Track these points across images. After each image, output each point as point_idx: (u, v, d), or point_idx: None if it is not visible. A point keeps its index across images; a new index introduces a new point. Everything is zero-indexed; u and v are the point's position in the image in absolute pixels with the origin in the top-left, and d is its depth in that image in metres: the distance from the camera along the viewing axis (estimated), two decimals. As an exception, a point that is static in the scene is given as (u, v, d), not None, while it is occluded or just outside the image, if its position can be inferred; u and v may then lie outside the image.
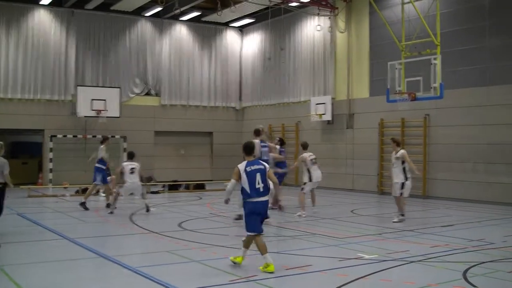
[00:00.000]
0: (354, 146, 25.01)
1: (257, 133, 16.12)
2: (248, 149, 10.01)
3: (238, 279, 8.78)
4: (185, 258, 10.42)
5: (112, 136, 28.06)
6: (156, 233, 13.54)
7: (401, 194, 15.11)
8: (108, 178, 18.81)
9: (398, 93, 18.73)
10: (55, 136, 27.07)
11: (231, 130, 32.65)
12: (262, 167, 9.73)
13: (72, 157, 27.07)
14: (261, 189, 9.58)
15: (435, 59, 17.55)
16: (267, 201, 9.79)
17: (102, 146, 18.90)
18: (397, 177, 15.12)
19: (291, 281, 8.87)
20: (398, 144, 15.49)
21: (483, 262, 10.02)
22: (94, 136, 27.63)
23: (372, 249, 11.41)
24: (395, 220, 15.04)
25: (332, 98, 26.05)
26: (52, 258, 10.72)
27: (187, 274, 9.31)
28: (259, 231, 9.61)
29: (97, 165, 18.75)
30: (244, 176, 9.57)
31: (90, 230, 14.44)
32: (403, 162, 15.05)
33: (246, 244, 9.71)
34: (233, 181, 9.63)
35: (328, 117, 25.84)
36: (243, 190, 9.63)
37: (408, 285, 8.56)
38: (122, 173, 17.29)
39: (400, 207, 15.25)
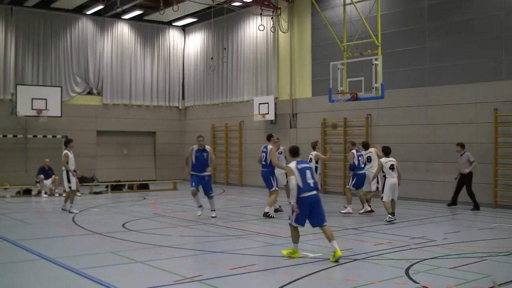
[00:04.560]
0: (298, 146, 25.08)
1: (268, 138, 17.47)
2: (294, 151, 11.15)
3: (182, 280, 8.76)
4: (129, 259, 10.34)
5: (54, 136, 27.68)
6: (99, 234, 13.39)
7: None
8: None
9: (340, 93, 18.96)
10: (-6, 135, 26.49)
11: (174, 129, 32.50)
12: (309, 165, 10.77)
13: (12, 157, 26.49)
14: (312, 184, 10.38)
15: (376, 59, 17.86)
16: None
17: None
18: None
19: (235, 281, 8.89)
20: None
21: (425, 259, 10.22)
22: (35, 136, 27.16)
23: (316, 247, 11.51)
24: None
25: (275, 98, 26.18)
26: (-9, 261, 10.50)
27: (131, 275, 9.24)
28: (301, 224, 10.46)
29: None
30: (296, 172, 10.33)
31: (32, 231, 14.13)
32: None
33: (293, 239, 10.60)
34: (292, 177, 10.30)
35: (271, 116, 25.96)
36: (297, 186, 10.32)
37: (352, 283, 8.67)
38: None
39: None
